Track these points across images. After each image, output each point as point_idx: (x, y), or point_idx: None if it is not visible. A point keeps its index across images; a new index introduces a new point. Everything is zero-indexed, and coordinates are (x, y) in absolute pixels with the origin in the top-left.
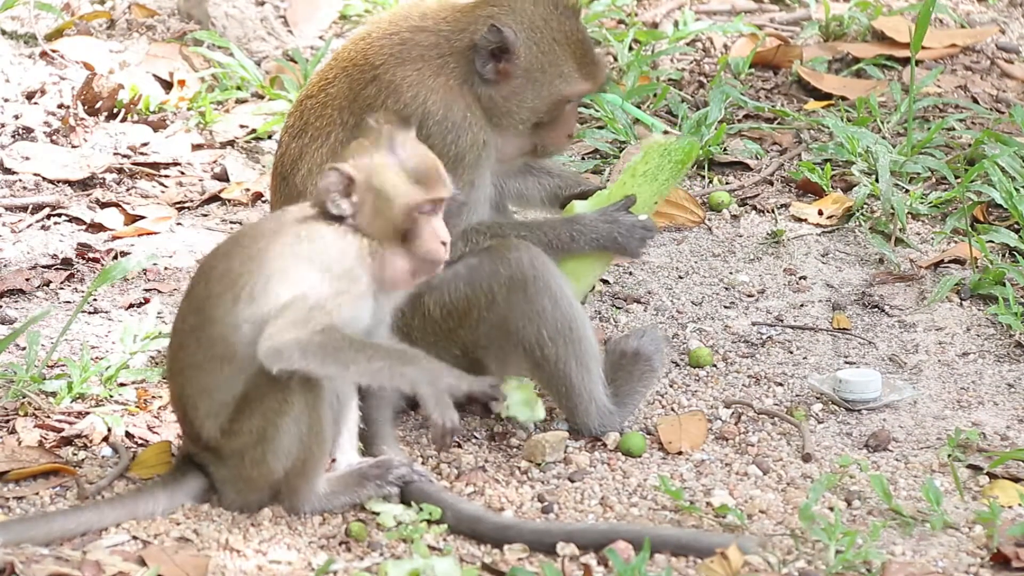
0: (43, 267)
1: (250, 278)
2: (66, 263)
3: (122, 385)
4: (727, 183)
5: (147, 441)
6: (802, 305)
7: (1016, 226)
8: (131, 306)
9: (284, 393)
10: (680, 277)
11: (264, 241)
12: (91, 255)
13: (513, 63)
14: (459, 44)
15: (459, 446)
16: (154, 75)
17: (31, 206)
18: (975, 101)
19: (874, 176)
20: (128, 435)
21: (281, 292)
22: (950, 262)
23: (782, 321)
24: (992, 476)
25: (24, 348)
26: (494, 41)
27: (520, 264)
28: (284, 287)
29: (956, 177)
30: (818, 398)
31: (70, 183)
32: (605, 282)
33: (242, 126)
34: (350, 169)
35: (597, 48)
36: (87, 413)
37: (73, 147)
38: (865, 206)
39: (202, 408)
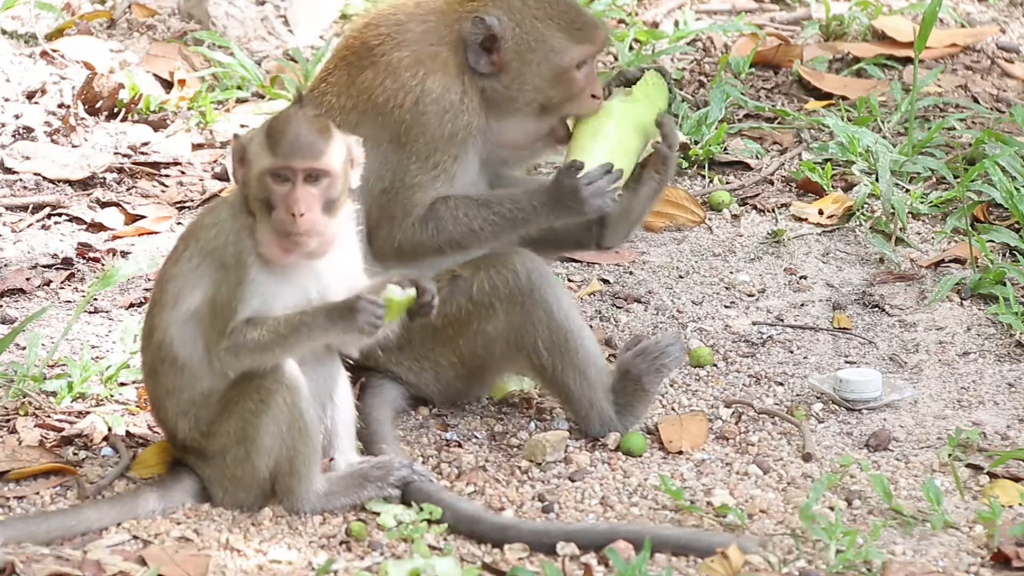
0: (43, 267)
1: (173, 283)
2: (66, 263)
3: (122, 385)
4: (727, 182)
5: (147, 440)
6: (802, 305)
7: (1016, 226)
8: (131, 305)
9: (261, 393)
10: (680, 276)
11: (184, 242)
12: (91, 255)
13: (504, 51)
14: (450, 37)
15: (460, 446)
16: (154, 75)
17: (31, 206)
18: (975, 101)
19: (874, 176)
20: (128, 434)
21: (191, 296)
22: (950, 262)
23: (782, 321)
24: (992, 476)
25: (25, 348)
26: (479, 33)
27: (518, 277)
28: (195, 291)
29: (956, 177)
30: (818, 398)
31: (70, 183)
32: (605, 281)
33: (243, 125)
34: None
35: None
36: (87, 413)
37: (73, 147)
38: (865, 206)
39: (170, 408)
